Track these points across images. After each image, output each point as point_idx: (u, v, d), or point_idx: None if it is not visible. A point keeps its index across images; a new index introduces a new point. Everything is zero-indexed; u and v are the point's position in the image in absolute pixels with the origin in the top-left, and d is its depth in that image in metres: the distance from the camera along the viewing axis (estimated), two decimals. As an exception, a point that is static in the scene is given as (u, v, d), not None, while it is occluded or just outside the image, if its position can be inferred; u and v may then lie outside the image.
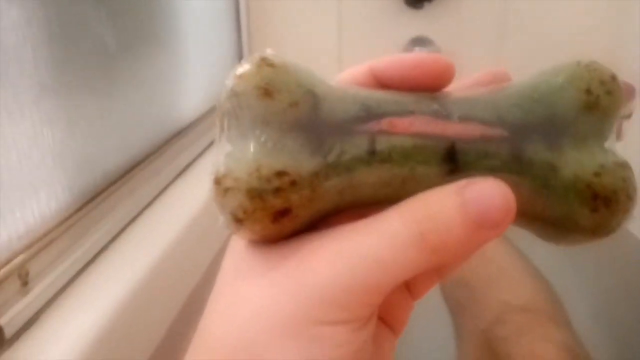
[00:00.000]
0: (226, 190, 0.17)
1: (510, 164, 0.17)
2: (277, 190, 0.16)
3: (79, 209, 0.50)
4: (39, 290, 0.42)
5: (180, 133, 0.73)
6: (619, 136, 0.74)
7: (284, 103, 0.17)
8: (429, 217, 0.16)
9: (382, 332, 0.20)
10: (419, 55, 0.19)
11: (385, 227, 0.16)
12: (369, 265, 0.16)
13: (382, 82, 0.20)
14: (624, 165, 0.18)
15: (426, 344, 0.63)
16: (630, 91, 0.95)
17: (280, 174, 0.16)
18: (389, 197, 0.17)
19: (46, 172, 0.46)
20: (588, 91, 0.18)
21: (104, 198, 0.53)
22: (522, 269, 0.60)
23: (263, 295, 0.17)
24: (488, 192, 0.16)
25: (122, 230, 0.55)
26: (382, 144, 0.17)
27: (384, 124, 0.17)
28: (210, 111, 0.84)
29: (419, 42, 1.02)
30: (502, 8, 1.01)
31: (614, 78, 0.18)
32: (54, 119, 0.47)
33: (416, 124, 0.17)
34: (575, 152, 0.17)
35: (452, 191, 0.16)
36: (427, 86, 0.19)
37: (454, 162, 0.17)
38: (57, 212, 0.47)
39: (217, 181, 0.17)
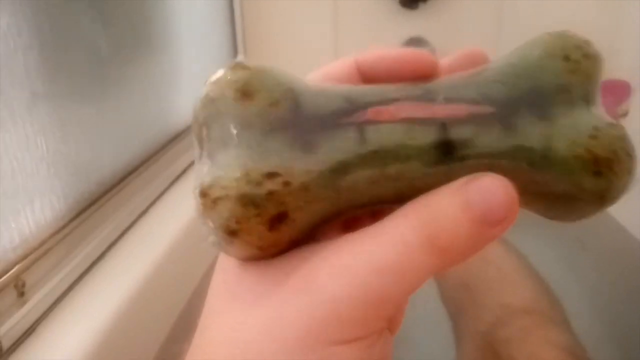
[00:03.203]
0: (215, 201, 0.16)
1: (503, 139, 0.17)
2: (271, 194, 0.15)
3: (75, 217, 0.50)
4: (36, 301, 0.42)
5: (176, 138, 0.73)
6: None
7: (264, 103, 0.16)
8: (435, 219, 0.15)
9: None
10: (403, 49, 0.19)
11: (393, 234, 0.15)
12: (382, 276, 0.15)
13: (366, 76, 0.20)
14: (616, 125, 0.17)
15: (425, 346, 0.63)
16: (626, 89, 0.95)
17: (270, 175, 0.15)
18: (388, 194, 0.17)
19: (40, 181, 0.46)
20: (566, 57, 0.17)
21: (100, 206, 0.53)
22: (521, 271, 0.59)
23: (268, 316, 0.16)
24: (490, 188, 0.15)
25: (119, 237, 0.54)
26: (371, 132, 0.16)
27: (370, 113, 0.17)
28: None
29: (415, 42, 1.02)
30: (497, 7, 1.01)
31: (587, 43, 0.18)
32: (47, 127, 0.46)
33: (403, 110, 0.17)
34: (566, 119, 0.17)
35: (455, 190, 0.16)
36: (411, 80, 0.19)
37: (447, 143, 0.17)
38: (53, 221, 0.47)
39: (204, 193, 0.16)
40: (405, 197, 0.16)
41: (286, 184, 0.15)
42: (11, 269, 0.41)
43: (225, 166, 0.16)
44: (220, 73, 0.17)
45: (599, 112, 0.18)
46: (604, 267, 0.70)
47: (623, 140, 0.17)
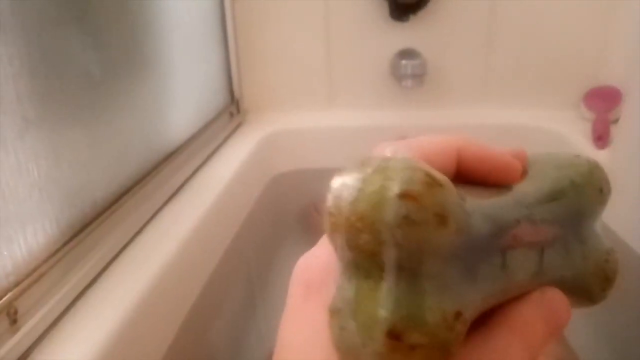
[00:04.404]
0: (412, 348, 0.14)
1: (564, 259, 0.19)
2: (457, 336, 0.15)
3: (67, 242, 0.50)
4: (29, 328, 0.42)
5: (169, 157, 0.73)
6: (607, 142, 0.74)
7: (454, 230, 0.15)
8: (533, 337, 0.18)
9: None
10: (504, 159, 0.20)
11: (510, 357, 0.17)
12: None
13: (461, 168, 0.20)
14: (613, 249, 0.21)
15: None
16: (617, 96, 0.96)
17: (458, 315, 0.15)
18: (497, 303, 0.18)
19: (33, 206, 0.46)
20: (601, 190, 0.20)
21: (93, 229, 0.53)
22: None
23: None
24: (560, 305, 0.19)
25: (112, 261, 0.54)
26: (509, 258, 0.17)
27: (509, 238, 0.17)
28: (198, 134, 0.84)
29: (406, 54, 1.03)
30: (487, 18, 1.02)
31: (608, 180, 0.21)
32: (39, 153, 0.47)
33: (525, 234, 0.18)
34: (590, 242, 0.20)
35: (537, 307, 0.19)
36: (502, 182, 0.20)
37: (541, 265, 0.19)
38: (45, 247, 0.47)
39: (394, 335, 0.14)
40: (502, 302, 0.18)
41: (465, 323, 0.15)
42: (3, 296, 0.41)
43: (419, 305, 0.15)
44: (414, 184, 0.15)
45: (599, 232, 0.21)
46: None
47: (618, 263, 0.21)
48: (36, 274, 0.45)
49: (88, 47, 0.55)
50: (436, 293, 0.15)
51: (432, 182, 0.15)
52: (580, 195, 0.20)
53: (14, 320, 0.41)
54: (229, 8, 0.97)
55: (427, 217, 0.14)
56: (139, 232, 0.60)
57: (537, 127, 0.99)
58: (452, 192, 0.15)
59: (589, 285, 0.20)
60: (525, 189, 0.19)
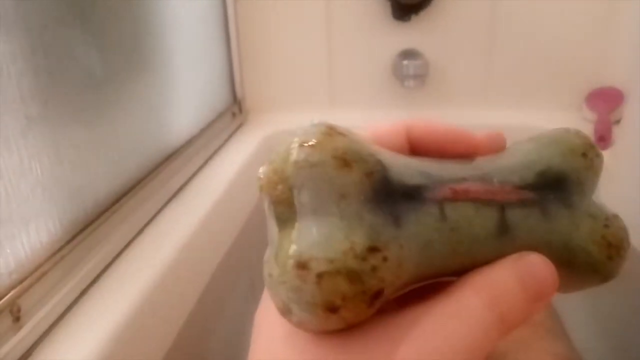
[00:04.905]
0: (319, 276, 0.15)
1: (542, 223, 0.19)
2: (374, 270, 0.15)
3: (70, 240, 0.50)
4: (32, 326, 0.42)
5: (171, 157, 0.73)
6: (609, 143, 0.74)
7: (360, 173, 0.16)
8: (502, 296, 0.17)
9: None
10: (457, 130, 0.20)
11: (468, 310, 0.16)
12: (461, 352, 0.16)
13: (413, 144, 0.20)
14: (617, 216, 0.20)
15: None
16: (619, 97, 0.96)
17: (372, 249, 0.15)
18: (454, 267, 0.18)
19: (36, 204, 0.46)
20: (584, 155, 0.20)
21: (95, 227, 0.53)
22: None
23: None
24: (541, 268, 0.17)
25: (115, 259, 0.54)
26: (449, 209, 0.17)
27: (448, 190, 0.18)
28: (201, 134, 0.84)
29: (408, 54, 1.03)
30: (489, 18, 1.02)
31: (595, 145, 0.21)
32: (42, 151, 0.47)
33: (472, 190, 0.18)
34: (583, 208, 0.20)
35: (511, 268, 0.17)
36: (457, 156, 0.20)
37: (504, 224, 0.18)
38: (48, 245, 0.47)
39: (302, 265, 0.15)
40: (465, 269, 0.18)
41: (384, 259, 0.16)
42: (7, 294, 0.41)
43: (326, 237, 0.15)
44: (316, 136, 0.16)
45: (600, 202, 0.20)
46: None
47: (625, 230, 0.20)
48: (39, 272, 0.45)
49: (90, 47, 0.55)
50: (347, 229, 0.16)
51: (331, 133, 0.16)
52: (560, 160, 0.20)
53: (17, 318, 0.41)
54: (231, 8, 0.97)
55: (325, 159, 0.16)
56: (141, 231, 0.60)
57: (538, 128, 0.98)
58: (356, 141, 0.17)
59: (587, 252, 0.19)
60: (491, 159, 0.20)
